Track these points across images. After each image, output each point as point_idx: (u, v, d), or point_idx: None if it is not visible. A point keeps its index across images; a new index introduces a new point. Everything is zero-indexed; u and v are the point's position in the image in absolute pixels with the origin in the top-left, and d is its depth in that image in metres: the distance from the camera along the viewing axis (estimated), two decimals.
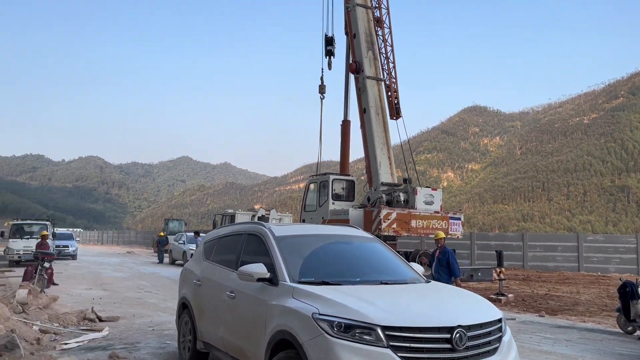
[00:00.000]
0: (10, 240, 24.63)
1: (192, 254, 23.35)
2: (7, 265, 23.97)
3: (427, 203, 15.67)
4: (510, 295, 14.53)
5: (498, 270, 14.72)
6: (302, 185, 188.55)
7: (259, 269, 4.93)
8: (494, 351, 4.26)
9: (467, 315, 4.27)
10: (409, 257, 14.25)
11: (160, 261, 29.71)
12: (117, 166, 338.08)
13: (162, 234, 33.74)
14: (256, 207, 34.18)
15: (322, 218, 16.37)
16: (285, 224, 7.56)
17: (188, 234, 28.46)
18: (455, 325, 4.02)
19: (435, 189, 16.39)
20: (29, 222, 27.20)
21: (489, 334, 4.31)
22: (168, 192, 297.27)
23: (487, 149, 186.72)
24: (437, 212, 15.74)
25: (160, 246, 30.75)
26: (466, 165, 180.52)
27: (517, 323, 10.54)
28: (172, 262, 28.47)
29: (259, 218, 25.48)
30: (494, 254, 18.78)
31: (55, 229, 28.80)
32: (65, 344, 7.65)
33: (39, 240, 17.55)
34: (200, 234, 24.78)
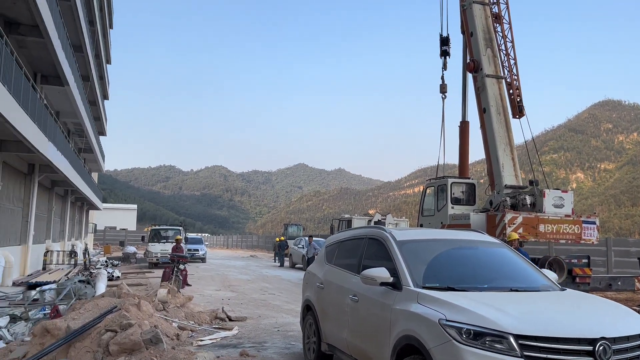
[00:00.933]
0: (150, 244, 27.05)
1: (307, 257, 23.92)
2: (147, 266, 26.35)
3: (556, 206, 14.63)
4: None
5: None
6: (416, 189, 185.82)
7: (381, 273, 4.93)
8: None
9: (612, 326, 3.93)
10: (537, 263, 13.38)
11: (281, 264, 30.86)
12: (240, 174, 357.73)
13: (282, 238, 35.03)
14: (371, 212, 34.20)
15: (441, 223, 15.96)
16: (406, 228, 7.41)
17: (306, 238, 29.25)
18: (598, 337, 3.72)
19: (566, 191, 15.25)
20: (164, 227, 29.67)
21: (637, 347, 3.93)
22: (286, 198, 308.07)
23: (622, 146, 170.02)
24: (568, 216, 14.65)
25: (281, 250, 31.92)
26: (598, 165, 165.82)
27: None
28: (292, 266, 29.44)
29: (376, 223, 25.46)
30: (634, 261, 17.08)
31: (186, 233, 31.14)
32: (201, 340, 8.21)
33: (174, 244, 19.05)
34: (314, 238, 25.36)
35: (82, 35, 23.42)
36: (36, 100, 15.03)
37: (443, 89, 19.29)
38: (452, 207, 16.09)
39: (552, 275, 5.46)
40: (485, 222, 14.82)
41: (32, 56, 18.18)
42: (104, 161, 45.71)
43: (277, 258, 32.95)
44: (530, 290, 4.93)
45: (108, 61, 42.49)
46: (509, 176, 15.83)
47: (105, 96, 43.17)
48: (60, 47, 17.79)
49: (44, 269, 22.28)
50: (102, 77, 37.94)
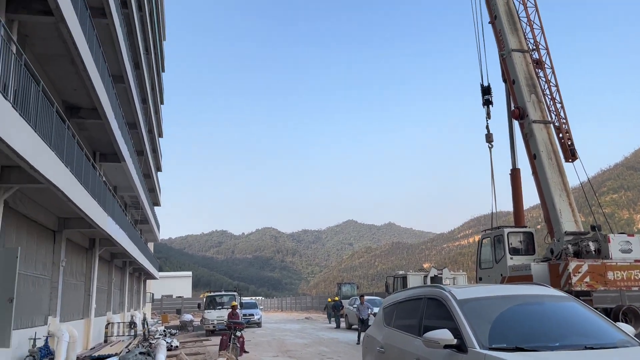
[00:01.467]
0: (206, 311, 27.19)
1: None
2: (204, 334, 26.38)
3: (623, 251, 13.86)
4: None
5: None
6: (471, 240, 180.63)
7: (444, 335, 4.75)
8: None
9: None
10: (610, 314, 12.58)
11: (337, 326, 30.21)
12: (290, 235, 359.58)
13: (336, 298, 34.47)
14: (425, 266, 33.38)
15: (501, 275, 15.38)
16: (465, 286, 7.10)
17: (359, 298, 28.70)
18: None
19: (632, 235, 14.47)
20: (219, 293, 29.85)
21: None
22: (337, 256, 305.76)
23: None
24: (638, 261, 13.81)
25: (336, 311, 31.33)
26: None
27: None
28: (349, 327, 28.76)
29: (432, 279, 24.81)
30: None
31: (241, 298, 31.18)
32: None
33: (230, 310, 19.07)
34: (367, 297, 24.77)
35: (135, 114, 24.83)
36: (96, 178, 15.83)
37: (489, 138, 19.13)
38: (511, 258, 15.52)
39: (628, 328, 5.10)
40: (548, 272, 14.16)
41: (91, 137, 19.32)
42: (159, 231, 47.07)
43: (331, 319, 32.30)
44: (607, 347, 4.61)
45: (160, 135, 44.64)
46: (568, 222, 15.21)
47: (158, 168, 45.03)
48: (117, 126, 18.86)
49: (105, 341, 22.69)
50: (155, 151, 39.77)
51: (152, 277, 47.92)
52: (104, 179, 18.10)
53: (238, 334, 15.74)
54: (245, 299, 41.75)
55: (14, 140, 8.16)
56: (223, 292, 30.39)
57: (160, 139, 44.59)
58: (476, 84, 20.14)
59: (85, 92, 15.42)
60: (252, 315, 31.51)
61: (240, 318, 19.57)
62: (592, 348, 4.50)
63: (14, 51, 8.84)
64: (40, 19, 11.24)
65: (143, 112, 28.47)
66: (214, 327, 25.82)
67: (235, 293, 29.49)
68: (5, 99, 7.91)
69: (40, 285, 14.91)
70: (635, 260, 13.78)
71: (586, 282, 13.24)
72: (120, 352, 15.12)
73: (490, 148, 19.11)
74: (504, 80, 18.54)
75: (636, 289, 13.88)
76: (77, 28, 12.23)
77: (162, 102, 44.36)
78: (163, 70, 44.39)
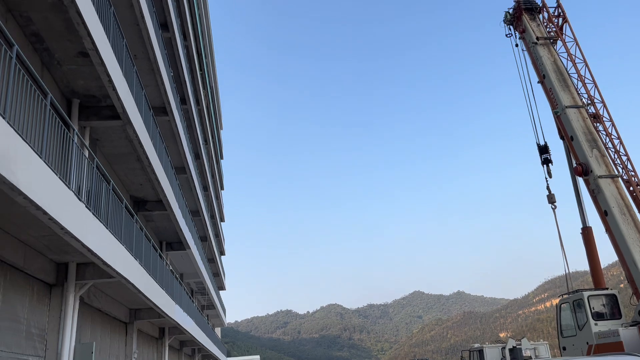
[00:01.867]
0: None
1: None
2: None
3: None
4: None
5: None
6: (548, 304, 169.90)
7: None
8: None
9: None
10: None
11: None
12: (355, 310, 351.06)
13: None
14: (502, 335, 31.45)
15: (587, 343, 14.23)
16: (551, 359, 6.50)
17: None
18: None
19: None
20: None
21: None
22: (407, 330, 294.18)
23: None
24: None
25: None
26: None
27: None
28: None
29: (510, 351, 23.27)
30: None
31: None
32: None
33: None
34: None
35: (198, 201, 25.78)
36: (163, 268, 16.29)
37: (551, 199, 18.47)
38: (596, 324, 14.39)
39: None
40: (639, 336, 12.99)
41: (157, 227, 20.12)
42: (225, 315, 47.20)
43: None
44: None
45: (222, 219, 45.89)
46: None
47: (221, 252, 45.91)
48: (181, 215, 19.59)
49: None
50: (217, 235, 40.75)
51: None
52: (170, 267, 18.59)
53: None
54: None
55: (88, 239, 8.61)
56: None
57: (222, 223, 45.79)
58: (531, 146, 19.76)
59: (150, 186, 16.25)
60: None
61: None
62: None
63: (87, 155, 9.53)
64: (109, 124, 12.14)
65: (205, 199, 29.54)
66: None
67: None
68: (80, 200, 8.44)
69: None
70: None
71: None
72: None
73: (553, 209, 18.41)
74: (562, 138, 18.09)
75: None
76: (142, 127, 13.12)
77: (222, 188, 45.97)
78: (222, 158, 46.41)
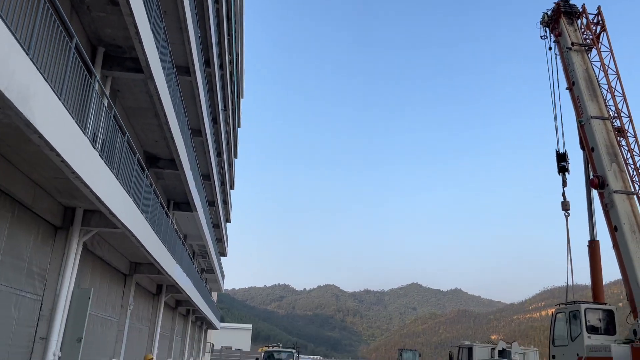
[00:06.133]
0: None
1: None
2: None
3: None
4: None
5: None
6: (544, 313, 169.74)
7: None
8: None
9: None
10: None
11: None
12: (351, 294, 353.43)
13: None
14: (493, 337, 31.50)
15: (577, 355, 14.23)
16: None
17: None
18: None
19: None
20: (277, 350, 29.49)
21: None
22: (400, 320, 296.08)
23: None
24: None
25: None
26: None
27: None
28: None
29: (500, 352, 23.36)
30: None
31: (299, 356, 30.60)
32: None
33: None
34: None
35: (210, 166, 25.90)
36: (168, 226, 16.45)
37: (565, 206, 18.29)
38: (589, 337, 14.36)
39: None
40: (631, 355, 12.95)
41: (167, 186, 20.26)
42: (223, 281, 47.79)
43: None
44: None
45: (232, 187, 46.13)
46: None
47: (227, 219, 46.28)
48: (192, 177, 19.70)
49: None
50: (225, 202, 41.03)
51: (214, 327, 48.26)
52: (175, 227, 18.76)
53: None
54: (304, 357, 40.93)
55: (97, 187, 8.69)
56: (281, 349, 30.00)
57: (231, 190, 46.04)
58: (548, 154, 19.51)
59: (165, 144, 16.32)
60: None
61: None
62: None
63: (105, 104, 9.56)
64: (132, 76, 12.15)
65: (217, 164, 29.67)
66: None
67: (293, 350, 29.01)
68: (94, 147, 8.50)
69: (107, 327, 15.38)
70: None
71: None
72: None
73: (566, 217, 18.23)
74: (582, 148, 17.83)
75: None
76: (163, 84, 13.12)
77: (235, 156, 46.11)
78: (239, 126, 46.42)
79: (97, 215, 10.94)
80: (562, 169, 18.92)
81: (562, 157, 19.04)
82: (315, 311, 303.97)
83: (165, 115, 13.94)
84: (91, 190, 8.51)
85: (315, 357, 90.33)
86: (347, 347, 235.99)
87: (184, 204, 22.16)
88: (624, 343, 13.83)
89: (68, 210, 10.80)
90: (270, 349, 29.74)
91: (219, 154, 31.49)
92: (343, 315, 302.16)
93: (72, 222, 10.76)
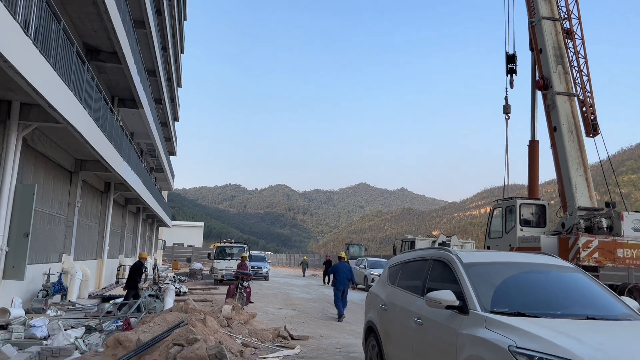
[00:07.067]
0: (215, 261, 27.73)
1: (373, 279, 23.70)
2: (212, 283, 27.00)
3: (636, 230, 13.74)
4: None
5: None
6: (483, 210, 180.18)
7: (447, 296, 4.80)
8: None
9: None
10: (615, 290, 12.60)
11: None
12: (302, 193, 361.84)
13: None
14: (435, 233, 33.48)
15: (510, 245, 15.39)
16: (472, 250, 7.15)
17: (369, 258, 28.99)
18: None
19: None
20: (229, 245, 30.34)
21: None
22: (348, 217, 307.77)
23: None
24: None
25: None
26: None
27: None
28: (353, 287, 29.18)
29: (440, 244, 24.93)
30: None
31: (250, 251, 31.67)
32: (264, 358, 8.28)
33: (240, 261, 19.42)
34: (372, 259, 24.86)
35: (155, 61, 24.71)
36: (113, 122, 15.93)
37: (506, 109, 18.80)
38: (521, 230, 15.49)
39: (633, 303, 5.11)
40: (557, 245, 14.14)
41: (110, 81, 19.34)
42: (173, 180, 47.62)
43: (325, 278, 31.87)
44: (609, 318, 4.62)
45: (179, 84, 44.54)
46: (583, 197, 15.07)
47: (175, 118, 45.15)
48: (136, 72, 18.83)
49: (117, 282, 23.33)
50: (173, 100, 39.77)
51: (165, 225, 48.80)
52: (121, 124, 18.20)
53: (245, 284, 16.07)
54: (255, 253, 42.41)
55: (33, 78, 8.19)
56: (233, 244, 30.87)
57: (179, 88, 44.52)
58: (497, 57, 19.68)
59: (105, 35, 15.35)
60: (260, 268, 32.09)
61: (249, 270, 19.94)
62: (593, 318, 4.52)
63: None
64: None
65: (163, 59, 28.33)
66: (222, 276, 26.40)
67: (245, 245, 29.94)
68: (26, 34, 7.89)
69: (55, 224, 15.27)
70: None
71: (595, 258, 13.22)
72: None
73: (506, 120, 18.80)
74: (531, 49, 18.04)
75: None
76: None
77: (182, 52, 44.04)
78: (185, 19, 43.89)
79: (36, 109, 10.43)
80: (511, 71, 19.21)
81: (511, 59, 19.25)
82: (266, 210, 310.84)
83: (104, 3, 12.98)
84: (27, 82, 8.03)
85: (266, 252, 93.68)
86: (297, 243, 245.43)
87: (129, 101, 21.37)
88: (553, 234, 15.02)
89: (3, 103, 10.24)
90: (222, 244, 30.57)
91: (164, 48, 29.98)
92: (294, 214, 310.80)
93: (9, 116, 10.24)
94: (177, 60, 39.96)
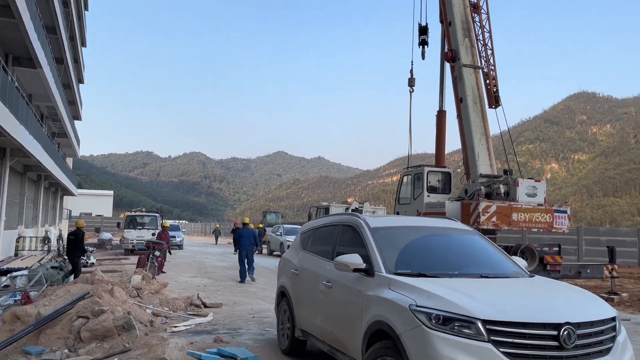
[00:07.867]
0: (125, 230, 26.77)
1: (289, 245, 24.01)
2: (122, 253, 26.11)
3: (529, 195, 14.87)
4: (624, 294, 13.46)
5: (610, 267, 13.71)
6: (395, 178, 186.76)
7: (354, 259, 4.97)
8: (606, 351, 3.99)
9: (576, 312, 4.03)
10: (509, 251, 13.64)
11: (259, 252, 30.76)
12: (218, 161, 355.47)
13: (260, 225, 34.92)
14: (349, 200, 34.39)
15: (417, 211, 16.11)
16: (380, 215, 7.44)
17: (285, 225, 29.26)
18: (563, 322, 3.81)
19: (539, 180, 15.51)
20: (140, 214, 29.37)
21: (601, 332, 4.04)
22: (265, 185, 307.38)
23: (596, 138, 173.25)
24: (541, 205, 14.91)
25: (260, 237, 31.75)
26: (572, 156, 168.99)
27: (632, 324, 9.75)
28: (270, 253, 29.45)
29: (353, 211, 25.62)
30: (604, 250, 17.51)
31: (163, 220, 30.86)
32: (175, 327, 8.19)
33: (161, 230, 18.98)
34: (288, 226, 25.18)
35: (55, 17, 22.87)
36: (7, 82, 14.66)
37: (411, 82, 19.38)
38: (428, 196, 16.24)
39: (521, 262, 5.56)
40: (460, 210, 15.00)
41: (3, 37, 17.69)
42: (79, 146, 44.92)
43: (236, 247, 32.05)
44: (500, 276, 5.02)
45: (83, 44, 41.59)
46: (484, 165, 16.02)
47: (80, 80, 42.30)
48: (33, 28, 17.34)
49: (16, 255, 21.92)
50: (76, 60, 37.14)
51: (70, 194, 46.15)
52: (16, 84, 16.78)
53: (157, 253, 15.69)
54: (169, 222, 41.36)
55: None
56: (144, 213, 29.90)
57: (83, 48, 41.59)
58: (409, 28, 20.18)
59: None
60: (174, 237, 31.41)
61: (169, 240, 19.46)
62: (487, 277, 4.89)
63: None
64: None
65: (64, 16, 26.26)
66: (133, 246, 25.58)
67: (157, 214, 29.11)
68: None
69: None
70: (538, 204, 14.86)
71: (493, 222, 14.19)
72: (31, 266, 14.69)
73: (411, 92, 19.39)
74: (441, 21, 18.59)
75: (536, 230, 15.10)
76: None
77: (86, 9, 41.02)
78: None
79: None
80: (422, 42, 19.73)
81: (423, 30, 19.75)
82: (180, 178, 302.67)
83: None
84: None
85: (181, 221, 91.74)
86: (214, 211, 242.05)
87: (26, 59, 19.71)
88: (456, 200, 15.91)
89: None
90: (133, 213, 29.52)
91: (65, 4, 27.76)
92: (210, 182, 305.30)
93: None
94: (80, 18, 37.17)
